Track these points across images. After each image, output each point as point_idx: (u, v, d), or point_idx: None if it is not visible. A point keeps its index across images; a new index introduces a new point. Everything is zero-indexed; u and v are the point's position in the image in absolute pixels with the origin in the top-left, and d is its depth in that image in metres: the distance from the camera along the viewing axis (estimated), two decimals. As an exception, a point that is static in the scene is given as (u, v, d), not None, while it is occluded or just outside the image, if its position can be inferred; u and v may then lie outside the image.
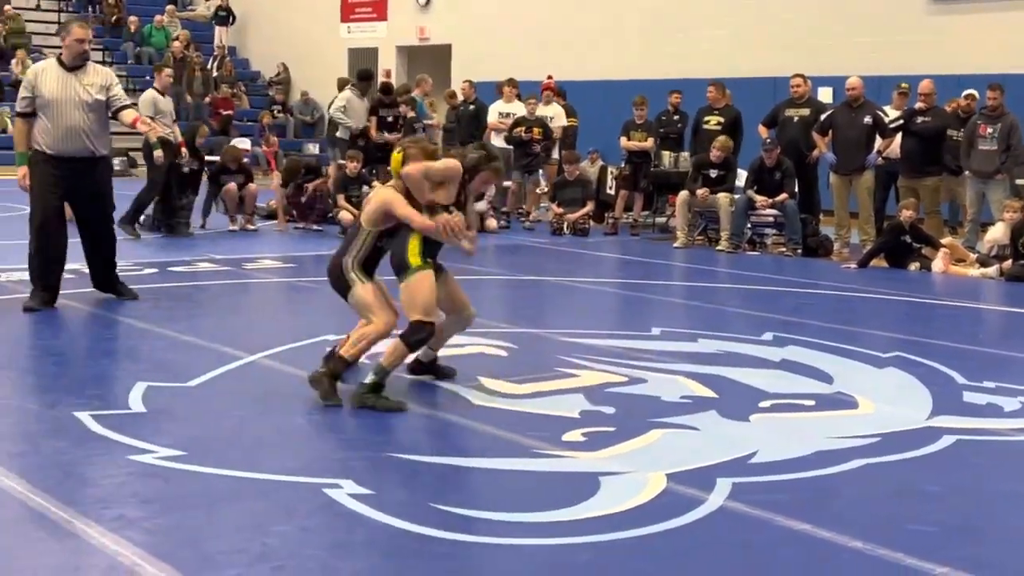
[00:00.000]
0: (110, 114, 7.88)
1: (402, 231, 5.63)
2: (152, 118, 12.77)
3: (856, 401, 5.90)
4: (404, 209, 5.54)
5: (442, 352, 6.08)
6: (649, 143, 14.32)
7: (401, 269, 5.60)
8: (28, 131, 7.76)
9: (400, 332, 5.56)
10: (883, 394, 6.07)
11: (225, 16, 27.56)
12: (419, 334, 5.51)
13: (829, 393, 6.05)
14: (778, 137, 13.10)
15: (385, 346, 5.65)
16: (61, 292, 7.89)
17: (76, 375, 6.07)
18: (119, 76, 28.57)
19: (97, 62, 30.62)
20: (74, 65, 7.76)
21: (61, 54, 7.89)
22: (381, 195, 5.71)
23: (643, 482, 4.45)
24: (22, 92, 7.88)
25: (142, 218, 12.52)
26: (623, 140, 14.42)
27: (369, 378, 5.45)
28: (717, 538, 3.93)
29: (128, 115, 7.90)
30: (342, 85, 16.65)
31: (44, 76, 7.74)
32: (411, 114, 15.48)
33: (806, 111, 13.05)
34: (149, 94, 13.18)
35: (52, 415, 5.19)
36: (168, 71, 13.53)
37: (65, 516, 3.90)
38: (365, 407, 5.36)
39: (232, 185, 13.35)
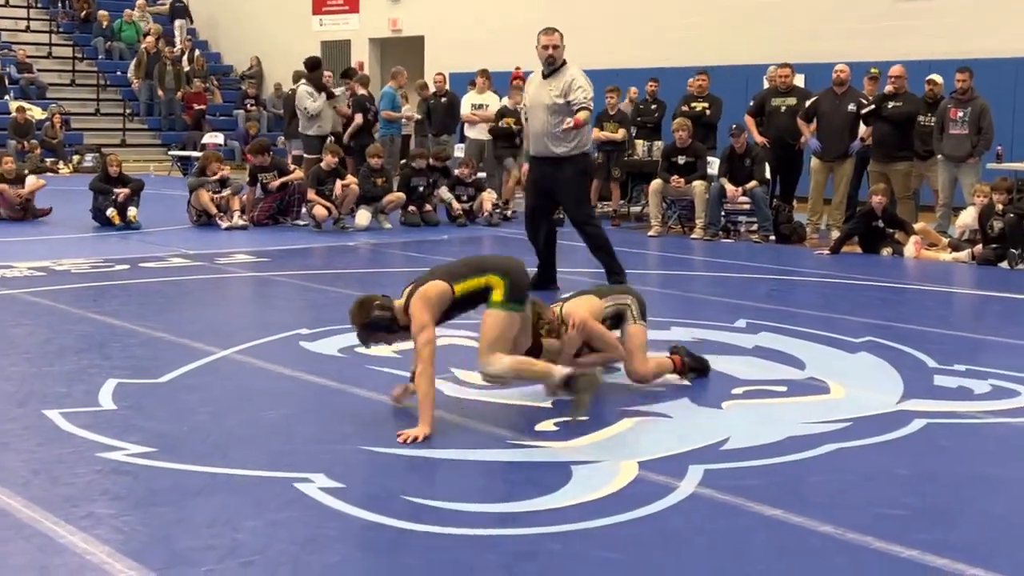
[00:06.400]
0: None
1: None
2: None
3: (828, 386, 5.92)
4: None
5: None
6: (621, 134, 14.29)
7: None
8: None
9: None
10: (855, 379, 6.10)
11: (182, 8, 27.46)
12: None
13: (801, 379, 6.08)
14: (766, 127, 13.14)
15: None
16: (30, 290, 7.85)
17: (45, 373, 6.01)
18: (88, 72, 28.13)
19: (66, 58, 30.02)
20: (548, 71, 8.26)
21: None
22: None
23: (615, 471, 4.46)
24: None
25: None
26: (595, 131, 14.38)
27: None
28: (688, 525, 3.94)
29: (580, 116, 8.11)
30: (298, 77, 16.53)
31: (528, 85, 8.61)
32: (361, 91, 15.43)
33: (792, 100, 13.05)
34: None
35: (21, 413, 5.16)
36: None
37: (33, 515, 3.88)
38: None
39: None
